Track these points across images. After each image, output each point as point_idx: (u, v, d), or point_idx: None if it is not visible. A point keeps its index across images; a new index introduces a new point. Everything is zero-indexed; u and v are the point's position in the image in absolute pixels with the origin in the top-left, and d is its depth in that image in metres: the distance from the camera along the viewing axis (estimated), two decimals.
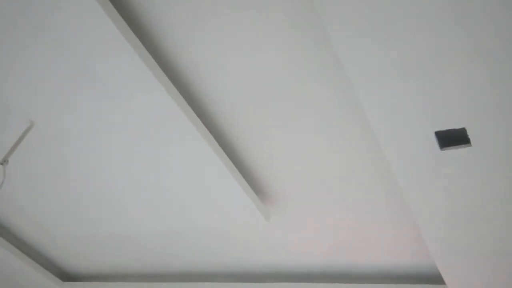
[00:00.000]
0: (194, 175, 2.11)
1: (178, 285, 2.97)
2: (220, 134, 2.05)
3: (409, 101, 1.46)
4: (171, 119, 1.85)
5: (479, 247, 1.90)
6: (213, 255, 2.75)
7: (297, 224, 2.34)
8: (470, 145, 1.54)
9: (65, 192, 2.50)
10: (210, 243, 2.66)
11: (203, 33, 1.69)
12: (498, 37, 1.24)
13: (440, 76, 1.38)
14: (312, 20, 1.56)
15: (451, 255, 1.98)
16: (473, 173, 1.62)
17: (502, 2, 1.17)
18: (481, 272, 2.04)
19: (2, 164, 1.92)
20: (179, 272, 2.97)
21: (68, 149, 2.19)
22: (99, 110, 1.93)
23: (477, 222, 1.80)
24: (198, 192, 2.20)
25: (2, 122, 2.12)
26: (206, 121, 1.99)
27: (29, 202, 2.67)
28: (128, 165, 2.18)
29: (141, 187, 2.29)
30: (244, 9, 1.59)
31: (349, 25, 1.31)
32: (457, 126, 1.50)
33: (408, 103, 1.46)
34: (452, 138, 1.57)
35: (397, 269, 2.43)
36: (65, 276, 3.38)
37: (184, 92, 1.89)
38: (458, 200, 1.73)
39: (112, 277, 3.23)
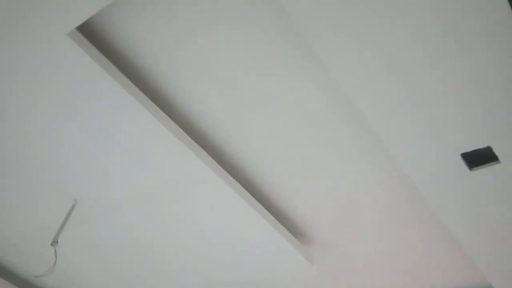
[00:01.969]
0: (234, 228, 2.15)
1: None
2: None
3: (428, 128, 1.47)
4: (205, 181, 1.93)
5: None
6: None
7: (339, 264, 2.32)
8: (499, 162, 1.54)
9: (116, 261, 2.58)
10: None
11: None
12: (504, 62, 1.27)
13: (455, 101, 1.39)
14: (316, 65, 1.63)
15: (504, 273, 1.93)
16: (508, 188, 1.61)
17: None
18: None
19: (52, 245, 2.01)
20: None
21: (111, 220, 2.27)
22: (134, 179, 2.01)
23: None
24: (242, 245, 2.23)
25: (47, 203, 2.23)
26: (235, 173, 2.05)
27: (78, 273, 2.76)
28: (169, 225, 2.24)
29: (185, 247, 2.34)
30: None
31: (359, 64, 1.36)
32: (481, 145, 1.50)
33: (427, 131, 1.48)
34: (479, 158, 1.57)
35: None
36: None
37: (207, 146, 1.97)
38: (498, 215, 1.71)
39: None
